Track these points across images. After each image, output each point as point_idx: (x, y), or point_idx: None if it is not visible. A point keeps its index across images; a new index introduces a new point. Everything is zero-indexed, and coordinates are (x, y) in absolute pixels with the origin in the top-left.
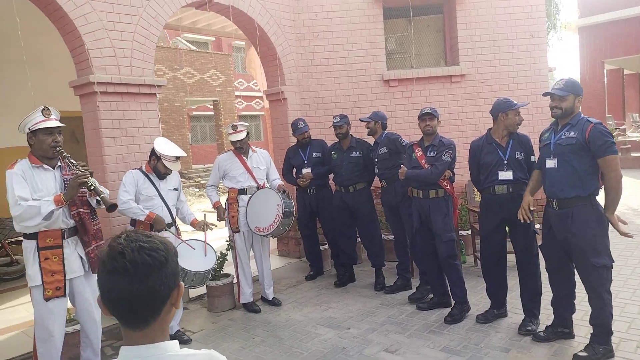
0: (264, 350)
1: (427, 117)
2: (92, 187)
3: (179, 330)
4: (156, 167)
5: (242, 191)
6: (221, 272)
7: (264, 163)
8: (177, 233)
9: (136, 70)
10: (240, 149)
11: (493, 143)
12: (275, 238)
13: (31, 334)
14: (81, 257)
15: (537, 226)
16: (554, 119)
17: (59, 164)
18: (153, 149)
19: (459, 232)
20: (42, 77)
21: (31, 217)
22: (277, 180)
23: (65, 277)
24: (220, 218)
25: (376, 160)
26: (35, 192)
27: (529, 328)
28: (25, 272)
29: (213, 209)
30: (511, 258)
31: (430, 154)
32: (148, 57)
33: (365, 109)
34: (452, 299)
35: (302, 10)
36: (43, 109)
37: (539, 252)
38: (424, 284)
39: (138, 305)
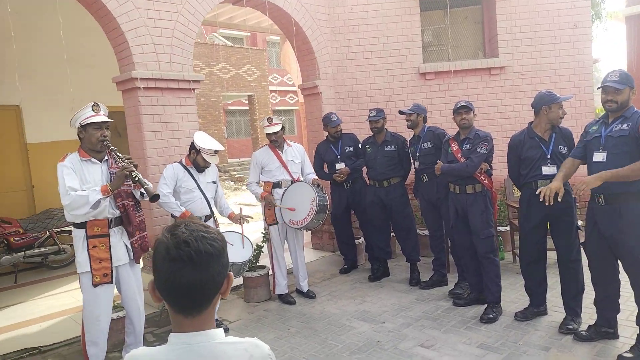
0: (299, 342)
1: (462, 110)
2: (137, 179)
3: (217, 319)
4: (196, 161)
5: (277, 185)
6: (257, 264)
7: (298, 157)
8: (215, 225)
9: (176, 66)
10: (275, 142)
11: (535, 137)
12: (309, 231)
13: (77, 319)
14: (126, 246)
15: (580, 222)
16: (603, 112)
17: (106, 157)
18: (193, 143)
19: (497, 228)
20: (85, 74)
21: (80, 206)
22: (312, 174)
23: (112, 264)
24: (271, 205)
25: (418, 154)
26: (84, 184)
27: (571, 327)
28: (71, 260)
29: (260, 201)
30: (551, 255)
31: (466, 147)
32: (187, 52)
33: (400, 102)
34: (487, 297)
35: (338, 4)
36: (93, 105)
37: (582, 249)
38: (463, 280)
39: (197, 293)
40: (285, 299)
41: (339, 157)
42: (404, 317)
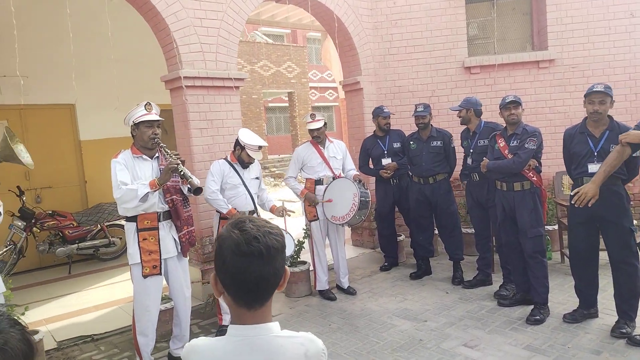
0: (340, 337)
1: (511, 105)
2: (182, 173)
3: None
4: (240, 157)
5: (319, 181)
6: (298, 259)
7: (340, 153)
8: None
9: (221, 64)
10: (317, 138)
11: (585, 133)
12: (350, 228)
13: (128, 310)
14: (175, 240)
15: (635, 222)
16: None
17: (156, 154)
18: (237, 139)
19: (545, 226)
20: (135, 74)
21: (130, 199)
22: (353, 170)
23: (160, 256)
24: (315, 202)
25: (471, 150)
26: (135, 180)
27: (624, 331)
28: (120, 253)
29: (299, 197)
30: (604, 256)
31: (513, 143)
32: (232, 51)
33: (444, 97)
34: (533, 298)
35: None
36: (146, 104)
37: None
38: (509, 282)
39: (263, 287)
40: (326, 295)
41: (385, 152)
42: (446, 316)
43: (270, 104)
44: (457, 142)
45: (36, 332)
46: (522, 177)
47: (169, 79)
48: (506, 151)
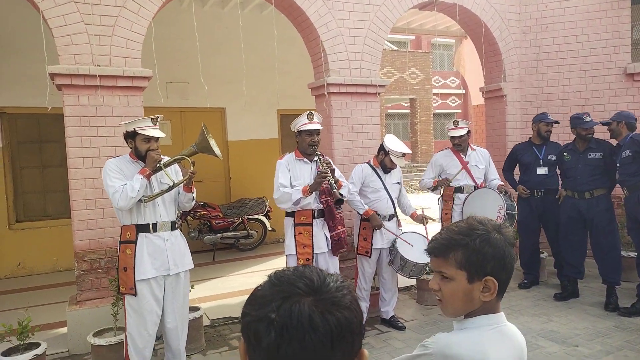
0: None
1: None
2: (329, 182)
3: (393, 316)
4: (383, 162)
5: (459, 189)
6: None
7: (483, 162)
8: (398, 225)
9: (365, 71)
10: (459, 146)
11: None
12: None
13: None
14: (326, 237)
15: None
16: None
17: (315, 158)
18: (382, 144)
19: None
20: (278, 80)
21: (285, 201)
22: (497, 180)
23: (313, 250)
24: (447, 183)
25: (618, 164)
26: (295, 180)
27: None
28: (257, 245)
29: (433, 186)
30: None
31: None
32: (375, 59)
33: (599, 106)
34: None
35: (530, 2)
36: (308, 114)
37: None
38: None
39: None
40: None
41: (541, 161)
42: (601, 344)
43: (389, 110)
44: None
45: (197, 308)
46: None
47: (316, 85)
48: None
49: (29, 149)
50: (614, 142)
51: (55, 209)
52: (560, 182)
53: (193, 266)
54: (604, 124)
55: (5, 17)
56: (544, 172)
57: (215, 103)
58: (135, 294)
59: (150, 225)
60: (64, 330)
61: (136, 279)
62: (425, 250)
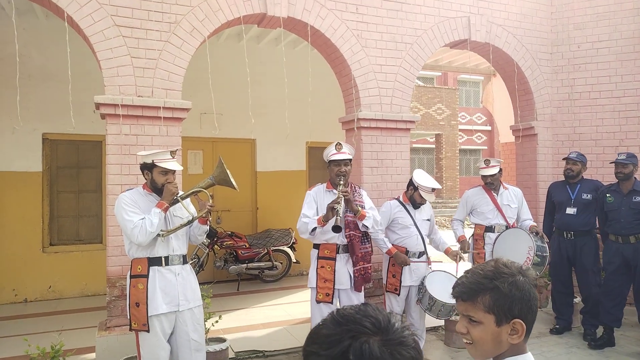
0: None
1: None
2: (337, 211)
3: None
4: (412, 197)
5: (490, 228)
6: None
7: (515, 201)
8: (428, 263)
9: (395, 107)
10: (491, 185)
11: None
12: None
13: (292, 331)
14: (349, 274)
15: None
16: None
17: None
18: (411, 179)
19: None
20: (305, 113)
21: (304, 231)
22: (529, 220)
23: (335, 286)
24: (463, 251)
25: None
26: (322, 210)
27: None
28: (281, 276)
29: (457, 242)
30: None
31: None
32: (406, 95)
33: (634, 148)
34: None
35: (562, 43)
36: (336, 144)
37: None
38: None
39: None
40: None
41: (572, 200)
42: None
43: (414, 145)
44: None
45: (224, 340)
46: None
47: (347, 119)
48: None
49: (67, 174)
50: None
51: (88, 234)
52: (597, 224)
53: (202, 302)
54: (619, 161)
55: (52, 48)
56: (572, 212)
57: (246, 134)
58: (148, 330)
59: (163, 259)
60: (92, 355)
61: (149, 315)
62: (451, 294)
